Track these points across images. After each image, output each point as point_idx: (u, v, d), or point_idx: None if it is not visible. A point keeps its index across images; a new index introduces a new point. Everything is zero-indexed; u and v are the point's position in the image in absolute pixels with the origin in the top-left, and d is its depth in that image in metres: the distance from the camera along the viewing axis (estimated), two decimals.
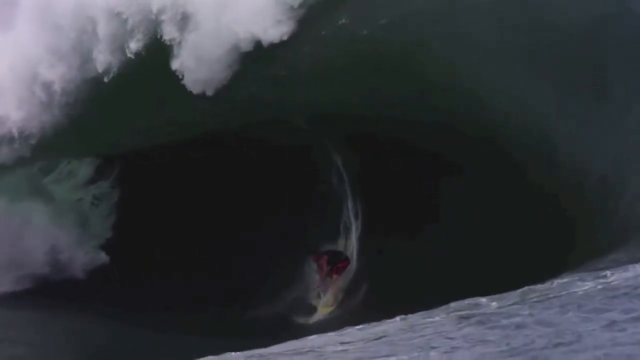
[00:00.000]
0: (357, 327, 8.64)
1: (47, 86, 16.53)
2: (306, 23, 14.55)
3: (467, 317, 8.15)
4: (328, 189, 17.61)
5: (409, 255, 15.83)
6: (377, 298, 15.29)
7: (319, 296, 16.04)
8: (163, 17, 15.42)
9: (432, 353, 7.15)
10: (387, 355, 7.30)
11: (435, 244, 15.84)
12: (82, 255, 18.37)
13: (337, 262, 16.44)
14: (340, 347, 7.75)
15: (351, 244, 16.87)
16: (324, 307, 15.83)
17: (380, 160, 16.74)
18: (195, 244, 17.94)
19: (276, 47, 14.57)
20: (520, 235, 14.70)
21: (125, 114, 16.83)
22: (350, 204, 17.14)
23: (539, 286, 9.57)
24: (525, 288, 9.47)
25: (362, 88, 15.58)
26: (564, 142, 14.38)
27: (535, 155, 14.76)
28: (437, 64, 14.91)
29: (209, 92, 15.37)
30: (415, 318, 8.67)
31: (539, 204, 14.67)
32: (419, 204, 16.18)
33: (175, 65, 15.31)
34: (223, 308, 16.03)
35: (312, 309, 15.90)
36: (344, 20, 14.76)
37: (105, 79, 16.00)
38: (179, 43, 15.28)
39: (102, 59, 15.95)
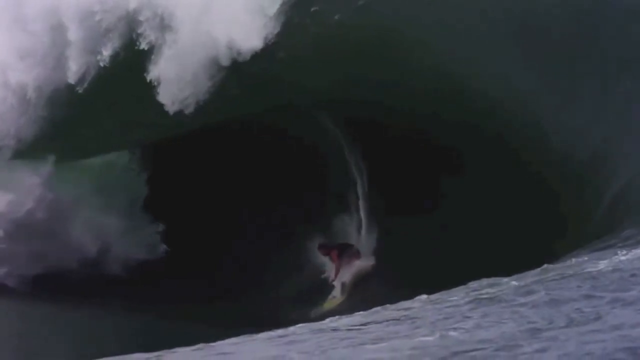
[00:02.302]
0: (379, 307, 8.59)
1: (20, 91, 16.20)
2: (282, 20, 14.41)
3: (487, 297, 8.02)
4: (331, 176, 17.33)
5: (413, 242, 15.68)
6: (384, 288, 15.09)
7: (331, 289, 15.72)
8: (140, 18, 15.09)
9: (452, 333, 7.08)
10: (407, 336, 7.23)
11: (431, 229, 15.59)
12: (136, 247, 17.76)
13: (347, 254, 16.04)
14: (361, 327, 7.69)
15: (361, 233, 16.56)
16: (334, 299, 15.51)
17: (380, 146, 16.52)
18: (200, 237, 17.60)
19: (257, 53, 14.39)
20: (519, 218, 14.56)
21: (104, 117, 16.53)
22: (358, 189, 16.84)
23: (557, 265, 9.46)
24: (544, 266, 9.31)
25: (344, 74, 15.27)
26: (558, 120, 14.19)
27: (528, 135, 14.52)
28: (422, 49, 14.62)
29: (188, 110, 15.00)
30: (435, 298, 8.54)
31: (537, 184, 14.54)
32: (416, 191, 16.00)
33: (152, 73, 15.01)
34: (232, 302, 15.71)
35: (322, 301, 15.56)
36: (317, 7, 14.56)
37: (79, 89, 15.65)
38: (159, 48, 14.97)
39: (76, 64, 15.56)
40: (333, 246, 16.00)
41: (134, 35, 15.23)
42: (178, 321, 14.22)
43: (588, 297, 7.60)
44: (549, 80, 14.03)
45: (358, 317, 8.17)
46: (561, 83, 13.95)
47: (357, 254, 16.00)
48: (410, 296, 8.97)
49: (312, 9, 14.46)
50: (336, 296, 15.44)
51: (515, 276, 8.71)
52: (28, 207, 16.97)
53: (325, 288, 15.79)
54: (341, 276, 15.60)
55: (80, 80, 15.62)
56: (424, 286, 9.57)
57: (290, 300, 15.09)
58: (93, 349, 10.94)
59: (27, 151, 16.77)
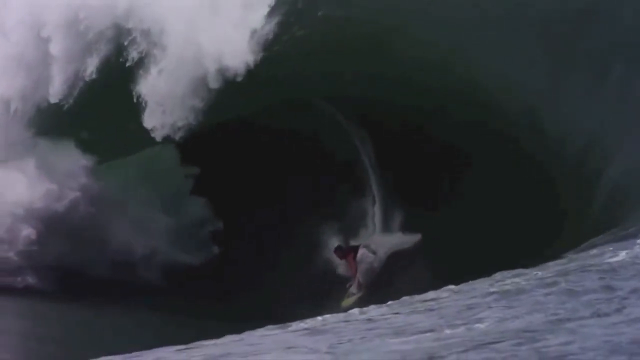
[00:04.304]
0: (407, 297, 8.57)
1: (3, 102, 15.44)
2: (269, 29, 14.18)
3: (511, 288, 8.03)
4: (343, 172, 16.92)
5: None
6: (398, 286, 14.88)
7: (348, 290, 15.07)
8: (129, 26, 14.63)
9: (476, 324, 7.07)
10: (431, 326, 7.22)
11: (439, 222, 15.32)
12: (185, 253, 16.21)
13: None
14: (388, 317, 7.68)
15: (375, 226, 16.07)
16: (351, 297, 15.16)
17: (386, 140, 16.35)
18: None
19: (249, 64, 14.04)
20: (519, 209, 14.49)
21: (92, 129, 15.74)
22: (372, 186, 16.54)
23: (579, 255, 9.43)
24: (568, 257, 9.33)
25: (338, 69, 15.05)
26: (555, 109, 14.17)
27: (525, 125, 14.49)
28: (420, 44, 14.50)
29: (177, 136, 14.56)
30: (460, 288, 8.56)
31: (535, 173, 14.51)
32: (421, 185, 15.72)
33: (141, 87, 14.51)
34: (244, 300, 15.14)
35: (340, 299, 15.02)
36: (300, 5, 14.26)
37: (64, 101, 15.06)
38: (147, 60, 14.54)
39: (60, 76, 14.96)
40: (349, 249, 15.34)
41: (121, 46, 14.85)
42: (195, 319, 13.77)
43: (609, 288, 7.57)
44: (545, 70, 13.97)
45: (385, 307, 8.15)
46: (556, 71, 13.89)
47: (375, 257, 15.12)
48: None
49: (299, 6, 14.23)
50: (354, 293, 15.10)
51: (538, 267, 8.68)
52: (69, 198, 15.37)
53: (342, 286, 15.49)
54: (358, 277, 15.16)
55: (65, 93, 15.07)
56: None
57: (307, 298, 14.48)
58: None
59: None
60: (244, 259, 16.30)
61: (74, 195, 15.44)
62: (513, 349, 6.21)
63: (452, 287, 8.57)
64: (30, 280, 15.24)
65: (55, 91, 15.15)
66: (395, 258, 15.13)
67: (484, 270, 9.39)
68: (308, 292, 14.80)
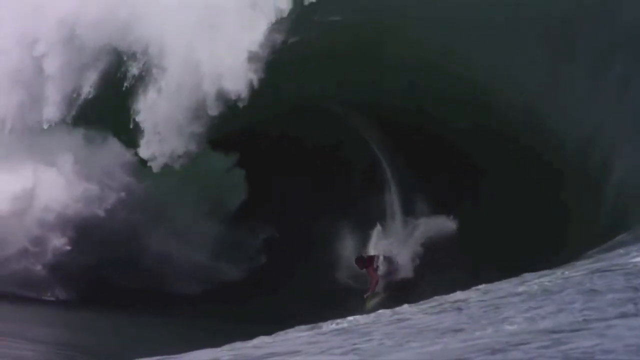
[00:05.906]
0: (438, 297, 8.53)
1: None
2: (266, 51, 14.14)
3: (538, 288, 7.98)
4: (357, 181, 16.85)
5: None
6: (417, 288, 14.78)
7: (372, 293, 15.01)
8: (126, 43, 14.48)
9: (504, 325, 7.03)
10: (459, 326, 7.18)
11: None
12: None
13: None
14: (415, 317, 7.63)
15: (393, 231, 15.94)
16: (375, 298, 14.97)
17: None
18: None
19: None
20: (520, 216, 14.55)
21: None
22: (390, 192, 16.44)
23: (606, 254, 9.40)
24: (594, 257, 9.31)
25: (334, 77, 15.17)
26: (555, 108, 14.21)
27: (526, 124, 14.58)
28: (420, 44, 14.60)
29: (177, 164, 14.33)
30: (488, 288, 8.51)
31: (537, 173, 14.55)
32: (432, 187, 15.68)
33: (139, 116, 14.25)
34: (269, 302, 15.18)
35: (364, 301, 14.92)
36: (299, 14, 14.25)
37: (59, 120, 14.75)
38: (147, 79, 14.39)
39: (56, 93, 14.70)
40: (370, 258, 15.23)
41: (119, 63, 14.68)
42: (222, 323, 13.58)
43: (635, 289, 7.56)
44: (545, 70, 14.01)
45: (414, 307, 8.10)
46: (556, 71, 13.91)
47: (395, 264, 15.28)
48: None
49: (298, 16, 14.14)
50: (379, 292, 15.01)
51: (565, 266, 8.66)
52: (110, 202, 14.37)
53: (349, 286, 15.39)
54: (380, 282, 15.03)
55: (62, 112, 14.80)
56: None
57: (332, 299, 14.53)
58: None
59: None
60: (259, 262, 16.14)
61: (116, 197, 14.36)
62: (540, 352, 6.15)
63: (480, 287, 8.51)
64: (60, 294, 14.27)
65: (50, 109, 14.77)
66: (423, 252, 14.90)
67: (484, 269, 9.38)
68: (332, 297, 14.71)
